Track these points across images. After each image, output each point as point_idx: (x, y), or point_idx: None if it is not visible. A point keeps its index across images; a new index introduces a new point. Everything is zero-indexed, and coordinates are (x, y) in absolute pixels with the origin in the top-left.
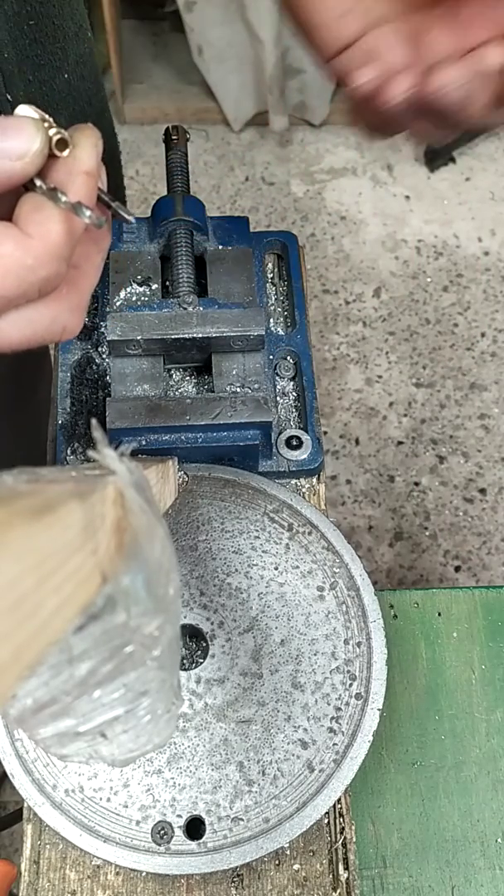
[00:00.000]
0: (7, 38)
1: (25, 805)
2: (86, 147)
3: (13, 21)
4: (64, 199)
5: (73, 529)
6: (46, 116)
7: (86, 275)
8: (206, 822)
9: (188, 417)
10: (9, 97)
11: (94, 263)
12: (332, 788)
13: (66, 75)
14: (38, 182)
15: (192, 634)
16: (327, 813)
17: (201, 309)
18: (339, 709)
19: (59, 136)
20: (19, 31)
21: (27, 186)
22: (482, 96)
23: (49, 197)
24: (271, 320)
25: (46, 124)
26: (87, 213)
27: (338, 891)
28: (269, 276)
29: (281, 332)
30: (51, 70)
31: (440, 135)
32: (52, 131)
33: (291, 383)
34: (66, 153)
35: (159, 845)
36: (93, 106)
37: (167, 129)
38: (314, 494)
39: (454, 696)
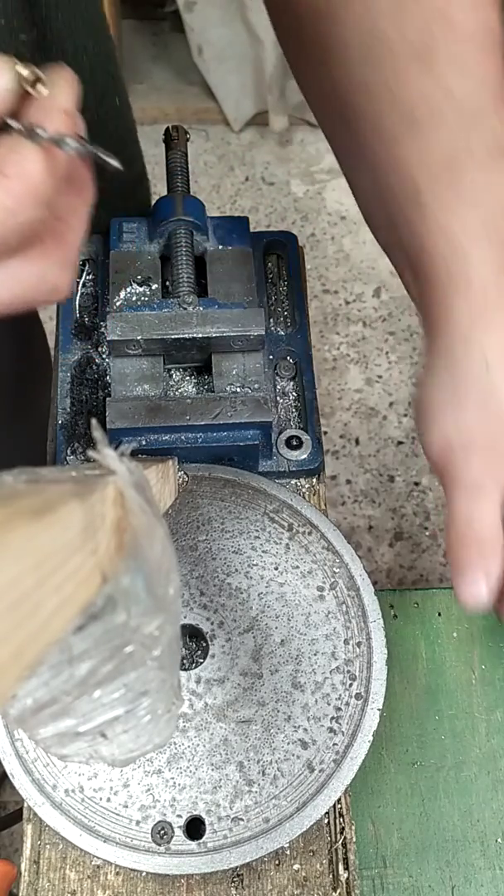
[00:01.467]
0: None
1: (25, 805)
2: (62, 86)
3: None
4: (45, 135)
5: (73, 529)
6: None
7: (71, 228)
8: (206, 822)
9: (188, 417)
10: None
11: (79, 216)
12: (332, 788)
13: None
14: (12, 122)
15: (192, 634)
16: (327, 813)
17: (201, 309)
18: (339, 709)
19: (32, 77)
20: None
21: (1, 128)
22: None
23: (27, 136)
24: (271, 320)
25: (16, 64)
26: (72, 143)
27: (338, 891)
28: (269, 276)
29: (281, 332)
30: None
31: None
32: (24, 71)
33: (291, 383)
34: (42, 93)
35: (159, 845)
36: (122, 137)
37: (167, 129)
38: (314, 494)
39: (454, 696)
